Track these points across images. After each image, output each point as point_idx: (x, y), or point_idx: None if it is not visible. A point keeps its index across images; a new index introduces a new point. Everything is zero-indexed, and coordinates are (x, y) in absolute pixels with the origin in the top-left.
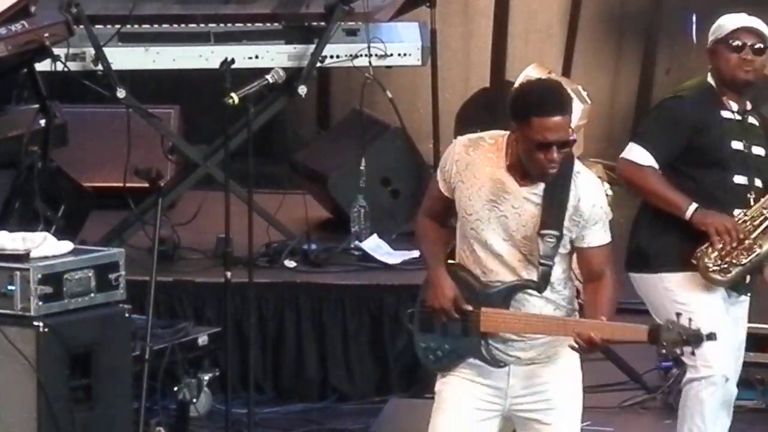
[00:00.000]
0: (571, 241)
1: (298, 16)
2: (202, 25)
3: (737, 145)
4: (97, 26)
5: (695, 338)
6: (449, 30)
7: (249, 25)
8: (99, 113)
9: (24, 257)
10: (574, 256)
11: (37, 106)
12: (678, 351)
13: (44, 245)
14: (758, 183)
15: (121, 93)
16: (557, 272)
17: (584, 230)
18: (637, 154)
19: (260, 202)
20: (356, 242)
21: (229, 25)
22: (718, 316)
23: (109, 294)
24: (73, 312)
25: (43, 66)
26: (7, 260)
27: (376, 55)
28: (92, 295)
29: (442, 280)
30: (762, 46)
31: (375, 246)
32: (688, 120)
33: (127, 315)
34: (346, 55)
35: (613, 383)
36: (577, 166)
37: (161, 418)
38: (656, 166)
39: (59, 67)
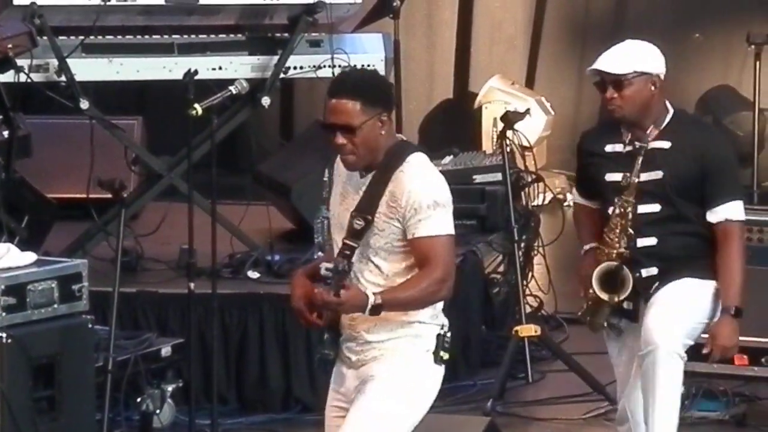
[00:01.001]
0: (404, 234)
1: (261, 27)
2: (166, 36)
3: (612, 176)
4: (60, 37)
5: (336, 272)
6: (412, 41)
7: (213, 36)
8: (62, 124)
9: None
10: None
11: (0, 117)
12: (338, 285)
13: (7, 256)
14: (643, 210)
15: (84, 104)
16: (394, 265)
17: (408, 221)
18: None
19: (224, 213)
20: (320, 253)
21: (192, 36)
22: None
23: (72, 305)
24: (37, 323)
25: (6, 77)
26: None
27: (339, 66)
28: (55, 306)
29: (294, 281)
30: (619, 78)
31: None
32: (580, 155)
33: (90, 326)
34: (309, 66)
35: (576, 394)
36: (413, 157)
37: (124, 429)
38: (582, 201)
39: (23, 78)
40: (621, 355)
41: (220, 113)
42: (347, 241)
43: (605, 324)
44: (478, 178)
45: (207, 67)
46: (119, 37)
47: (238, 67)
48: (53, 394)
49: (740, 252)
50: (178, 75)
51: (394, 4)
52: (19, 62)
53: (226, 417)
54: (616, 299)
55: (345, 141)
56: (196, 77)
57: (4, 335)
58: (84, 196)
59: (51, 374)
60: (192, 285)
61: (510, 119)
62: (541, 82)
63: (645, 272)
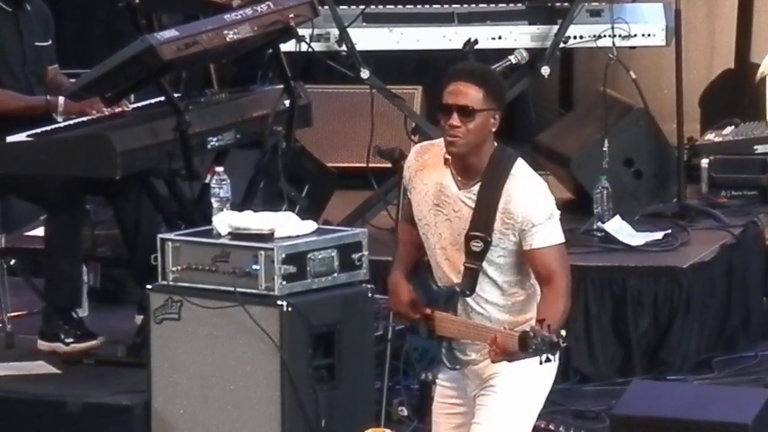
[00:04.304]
0: (519, 245)
1: None
2: (446, 5)
3: None
4: (341, 7)
5: (551, 346)
6: (693, 10)
7: (492, 5)
8: (343, 93)
9: (268, 237)
10: None
11: (281, 86)
12: (542, 356)
13: (288, 225)
14: None
15: (364, 73)
16: (509, 277)
17: (524, 234)
18: None
19: None
20: (599, 223)
21: (472, 5)
22: None
23: (352, 274)
24: (317, 291)
25: (287, 47)
26: (251, 240)
27: (619, 35)
28: (335, 274)
29: (397, 285)
30: None
31: (618, 227)
32: None
33: (369, 295)
34: (589, 36)
35: None
36: (517, 167)
37: (404, 398)
38: None
39: (303, 47)
40: None
41: None
42: (469, 265)
43: None
44: (760, 149)
45: (486, 36)
46: (399, 6)
47: (517, 37)
48: (333, 363)
49: None
50: (457, 44)
51: None
52: (301, 32)
53: None
54: None
55: (459, 124)
56: (476, 47)
57: (284, 304)
58: (364, 165)
59: (330, 343)
60: None
61: None
62: None
63: None
